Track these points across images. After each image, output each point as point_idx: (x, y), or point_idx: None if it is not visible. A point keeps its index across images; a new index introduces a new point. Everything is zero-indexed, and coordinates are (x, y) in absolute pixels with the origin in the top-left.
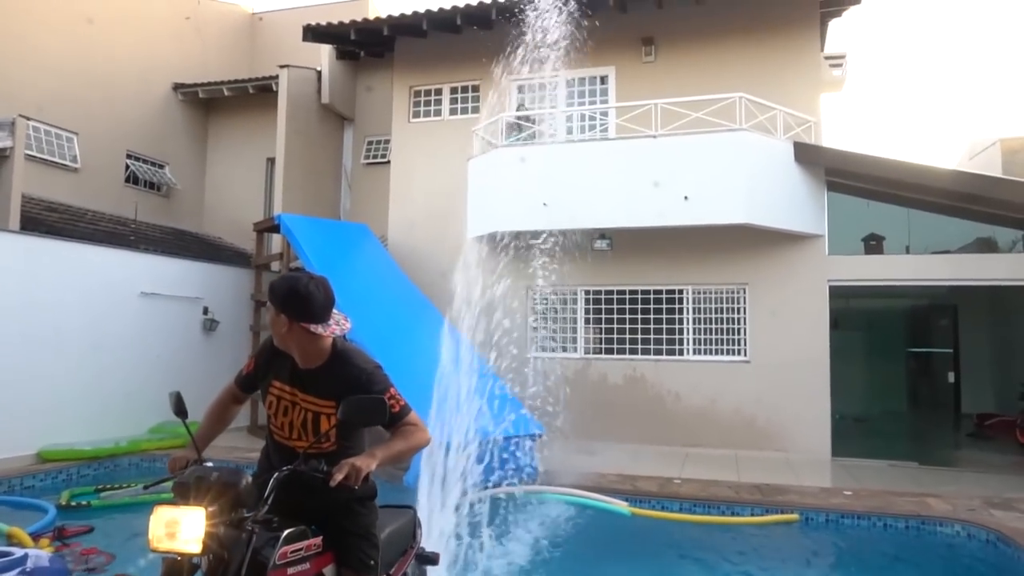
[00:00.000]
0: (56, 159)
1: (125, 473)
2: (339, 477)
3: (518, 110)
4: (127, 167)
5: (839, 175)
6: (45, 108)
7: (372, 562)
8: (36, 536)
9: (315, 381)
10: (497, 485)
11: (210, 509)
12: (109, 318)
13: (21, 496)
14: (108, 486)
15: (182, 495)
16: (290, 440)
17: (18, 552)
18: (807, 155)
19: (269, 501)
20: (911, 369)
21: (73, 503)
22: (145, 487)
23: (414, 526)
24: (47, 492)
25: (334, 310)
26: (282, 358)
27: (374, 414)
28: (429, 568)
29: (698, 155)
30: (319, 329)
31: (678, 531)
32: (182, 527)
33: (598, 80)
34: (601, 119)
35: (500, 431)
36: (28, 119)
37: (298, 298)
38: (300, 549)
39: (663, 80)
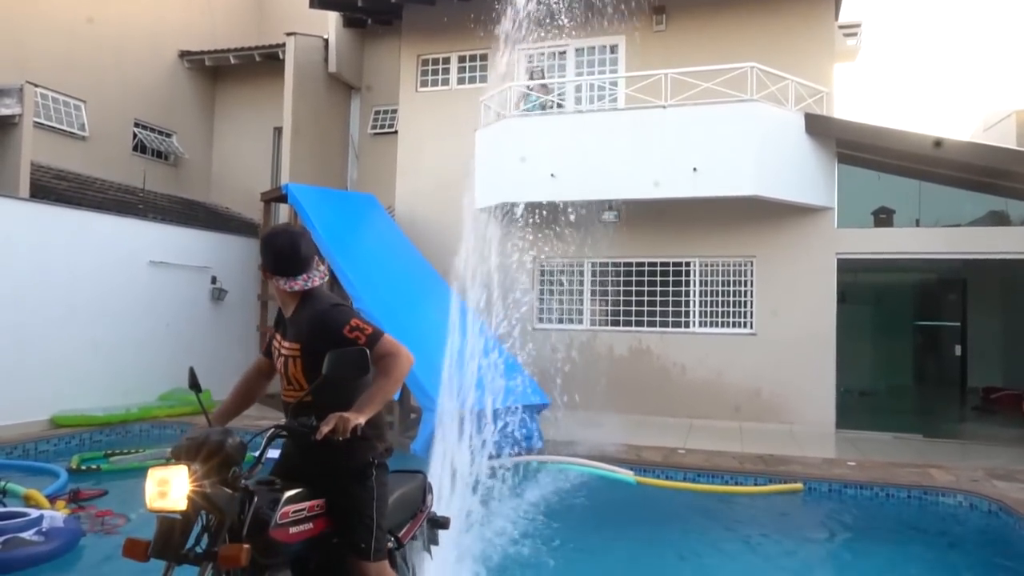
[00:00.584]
0: (64, 127)
1: (136, 439)
2: (325, 430)
3: (531, 78)
4: (135, 136)
5: (850, 147)
6: (53, 75)
7: (363, 545)
8: (52, 499)
9: (289, 327)
10: (503, 455)
11: (193, 467)
12: (119, 286)
13: (33, 460)
14: (117, 451)
15: (176, 458)
16: (285, 393)
17: (34, 513)
18: (818, 127)
19: (263, 459)
20: (918, 343)
21: (84, 467)
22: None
23: (424, 491)
24: (62, 456)
25: (317, 260)
26: (281, 318)
27: (356, 366)
28: (440, 531)
29: (708, 126)
30: (281, 283)
31: (683, 500)
32: (171, 486)
33: (608, 49)
34: (610, 89)
35: (506, 401)
36: (36, 86)
37: (268, 252)
38: (303, 509)
39: (674, 50)
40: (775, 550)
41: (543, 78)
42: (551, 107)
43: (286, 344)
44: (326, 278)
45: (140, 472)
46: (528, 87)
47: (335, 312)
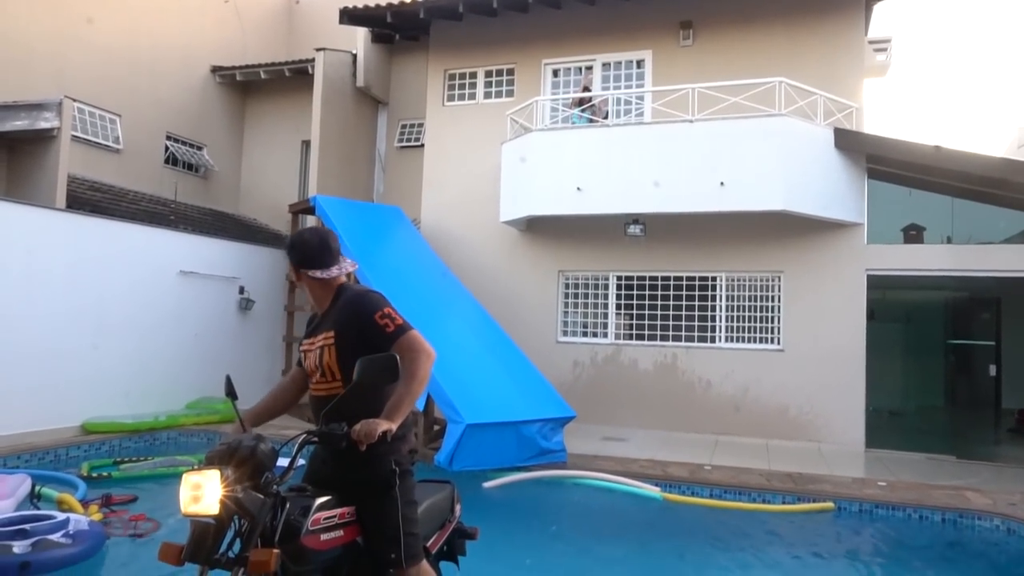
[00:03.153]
0: (100, 140)
1: (163, 446)
2: (353, 432)
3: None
4: (166, 148)
5: (880, 162)
6: (90, 90)
7: (393, 555)
8: (85, 503)
9: (323, 321)
10: (528, 469)
11: (226, 472)
12: (149, 295)
13: (47, 470)
14: (127, 459)
15: (209, 463)
16: (314, 387)
17: (60, 516)
18: (848, 142)
19: (295, 464)
20: (950, 363)
21: (94, 474)
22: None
23: (452, 500)
24: (91, 462)
25: (342, 257)
26: (314, 322)
27: (387, 372)
28: (468, 543)
29: (735, 140)
30: (318, 274)
31: (711, 517)
32: (204, 491)
33: (634, 64)
34: (637, 103)
35: (531, 414)
36: (75, 101)
37: (298, 247)
38: (333, 516)
39: (701, 64)
40: (809, 572)
41: (590, 90)
42: (596, 121)
43: (319, 336)
44: (356, 268)
45: (151, 480)
46: (576, 104)
47: (369, 297)
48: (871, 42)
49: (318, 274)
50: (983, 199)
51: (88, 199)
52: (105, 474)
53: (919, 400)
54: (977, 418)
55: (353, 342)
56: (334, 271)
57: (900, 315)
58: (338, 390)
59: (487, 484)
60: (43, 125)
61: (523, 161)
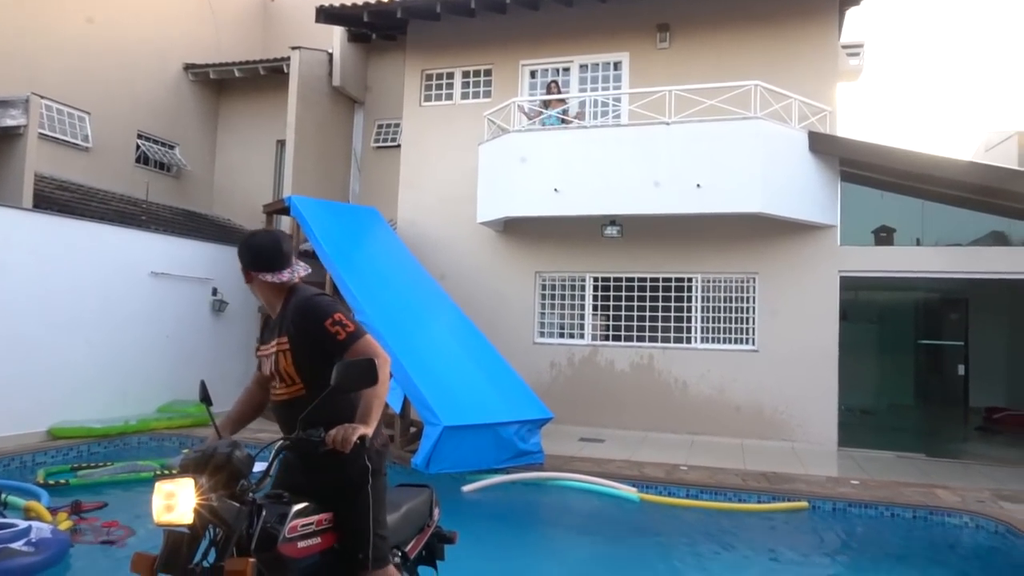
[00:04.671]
0: (68, 138)
1: (134, 451)
2: (329, 441)
3: (549, 91)
4: (138, 147)
5: (853, 165)
6: (59, 87)
7: (361, 555)
8: (53, 511)
9: (277, 325)
10: (506, 471)
11: (200, 480)
12: (120, 297)
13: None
14: (84, 465)
15: (183, 470)
16: (274, 393)
17: (22, 524)
18: (822, 145)
19: (271, 472)
20: (920, 362)
21: (51, 481)
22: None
23: (431, 505)
24: (47, 469)
25: (296, 260)
26: (268, 324)
27: (364, 377)
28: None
29: (712, 143)
30: (269, 277)
31: (688, 517)
32: (178, 499)
33: (611, 66)
34: (614, 105)
35: (508, 415)
36: (42, 97)
37: (250, 249)
38: (311, 523)
39: (678, 67)
40: (785, 569)
41: (558, 91)
42: (570, 121)
43: (273, 343)
44: (308, 272)
45: (112, 486)
46: (544, 103)
47: (317, 302)
48: (844, 47)
49: (269, 278)
50: (952, 202)
51: (56, 198)
52: (63, 481)
53: (890, 399)
54: (946, 416)
55: (306, 347)
56: (286, 275)
57: (872, 315)
58: (299, 393)
59: (466, 488)
60: (9, 123)
61: (523, 161)
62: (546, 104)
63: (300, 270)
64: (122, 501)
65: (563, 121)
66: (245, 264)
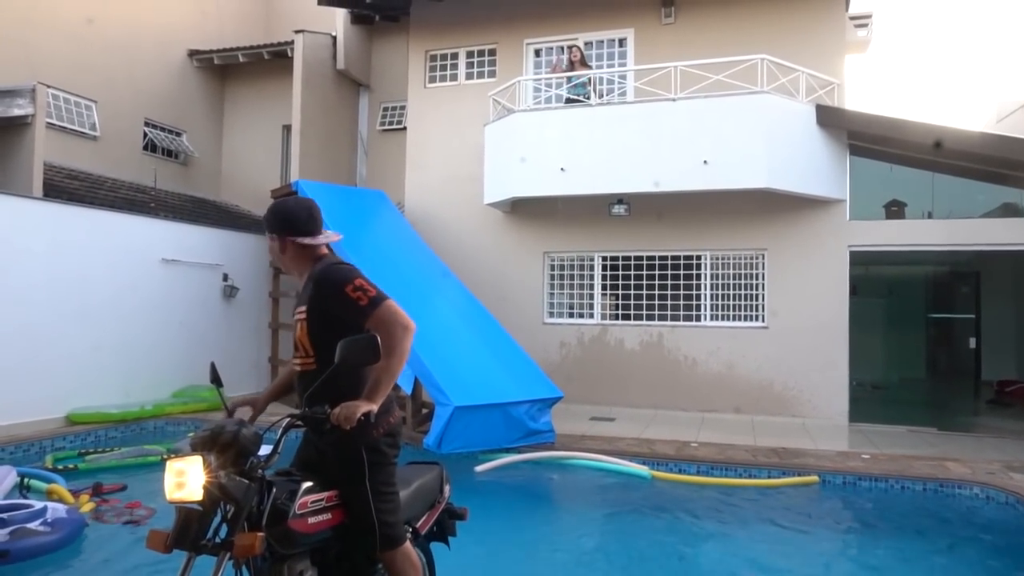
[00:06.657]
0: (76, 127)
1: (150, 436)
2: (332, 418)
3: (571, 63)
4: (145, 135)
5: (862, 139)
6: (65, 76)
7: (370, 538)
8: (75, 493)
9: (302, 293)
10: (517, 450)
11: (208, 457)
12: (132, 284)
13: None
14: (92, 450)
15: (193, 448)
16: (294, 363)
17: (38, 504)
18: (830, 118)
19: (279, 450)
20: (931, 336)
21: (59, 467)
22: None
23: (441, 481)
24: (55, 454)
25: (324, 228)
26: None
27: (368, 353)
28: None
29: (718, 118)
30: (305, 240)
31: (701, 493)
32: (188, 477)
33: (616, 43)
34: (620, 82)
35: (518, 395)
36: (48, 87)
37: (283, 213)
38: (320, 499)
39: (683, 42)
40: (795, 542)
41: (581, 57)
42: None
43: (297, 311)
44: (340, 238)
45: (120, 470)
46: (568, 71)
47: (338, 269)
48: (852, 18)
49: (304, 240)
50: (963, 174)
51: (65, 187)
52: (71, 466)
53: (901, 373)
54: (957, 390)
55: (323, 317)
56: (320, 239)
57: (882, 290)
58: (311, 366)
59: (478, 468)
60: (16, 112)
61: (522, 161)
62: (571, 68)
63: (332, 235)
64: (141, 483)
65: (583, 98)
66: (279, 230)
